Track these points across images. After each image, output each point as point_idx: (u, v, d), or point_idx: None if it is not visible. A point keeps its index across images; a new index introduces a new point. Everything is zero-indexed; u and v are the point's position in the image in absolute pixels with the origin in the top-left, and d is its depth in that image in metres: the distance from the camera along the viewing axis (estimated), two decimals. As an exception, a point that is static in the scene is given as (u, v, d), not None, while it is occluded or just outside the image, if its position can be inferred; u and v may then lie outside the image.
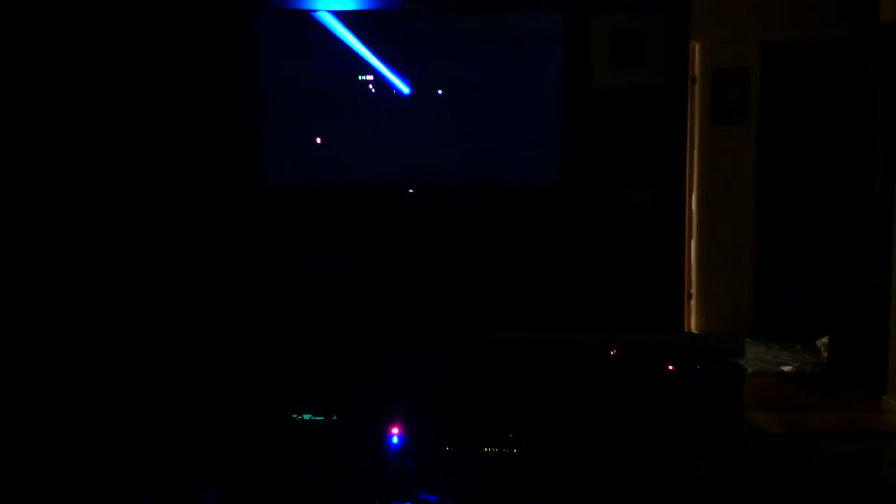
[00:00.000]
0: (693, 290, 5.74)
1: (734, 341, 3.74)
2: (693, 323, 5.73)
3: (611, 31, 4.22)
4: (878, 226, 4.58)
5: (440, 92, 4.23)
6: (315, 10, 4.24)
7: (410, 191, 4.30)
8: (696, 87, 5.61)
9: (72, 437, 3.22)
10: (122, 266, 4.31)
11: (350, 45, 4.22)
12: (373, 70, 4.23)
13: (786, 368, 4.88)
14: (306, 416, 3.24)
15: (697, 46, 5.53)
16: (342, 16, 4.23)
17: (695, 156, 5.66)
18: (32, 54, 4.27)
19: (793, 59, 5.63)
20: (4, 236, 4.15)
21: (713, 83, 5.63)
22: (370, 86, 4.24)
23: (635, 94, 4.28)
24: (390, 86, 4.24)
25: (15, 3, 4.15)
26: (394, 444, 3.15)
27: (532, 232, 4.39)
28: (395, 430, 3.16)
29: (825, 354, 4.78)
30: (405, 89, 4.24)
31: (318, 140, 4.30)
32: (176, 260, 4.33)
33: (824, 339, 4.81)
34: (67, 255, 4.26)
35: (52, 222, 4.24)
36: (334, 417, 3.24)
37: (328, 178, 4.32)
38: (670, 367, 3.24)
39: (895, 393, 4.12)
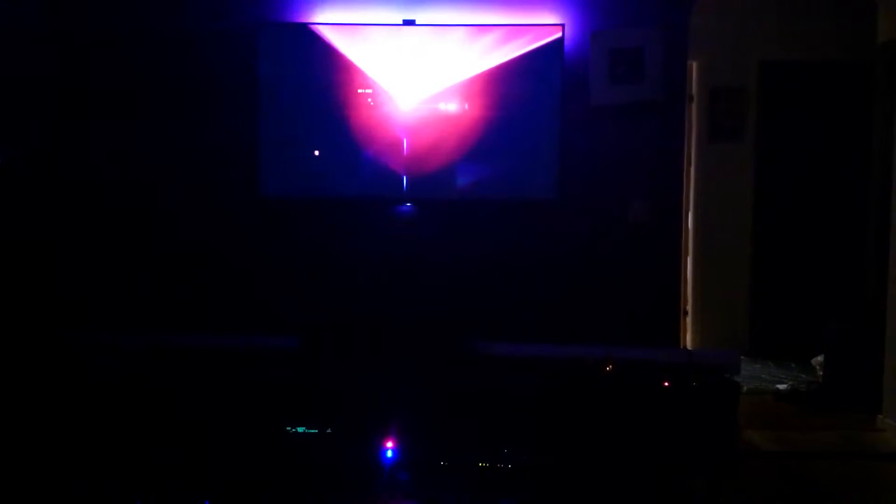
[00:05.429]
0: (689, 307, 5.75)
1: (730, 358, 3.74)
2: (689, 340, 5.73)
3: (610, 49, 4.24)
4: (874, 245, 4.59)
5: (438, 107, 4.25)
6: (313, 25, 4.27)
7: (408, 204, 4.31)
8: (694, 106, 5.64)
9: (65, 446, 3.21)
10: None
11: (347, 59, 4.24)
12: (371, 84, 4.26)
13: (781, 386, 4.88)
14: (300, 429, 3.23)
15: (695, 65, 5.56)
16: (340, 30, 4.25)
17: (692, 173, 5.68)
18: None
19: (790, 78, 5.67)
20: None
21: (711, 101, 5.66)
22: (369, 99, 4.26)
23: (633, 111, 4.30)
24: (388, 100, 4.26)
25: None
26: (387, 458, 3.14)
27: (528, 247, 4.40)
28: (388, 444, 3.15)
29: (820, 373, 4.78)
30: (402, 104, 4.26)
31: (317, 153, 4.32)
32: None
33: (820, 358, 4.80)
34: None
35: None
36: (328, 430, 3.23)
37: (328, 190, 4.34)
38: (666, 384, 3.23)
39: (890, 412, 4.11)
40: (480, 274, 4.39)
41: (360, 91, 4.26)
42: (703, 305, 5.74)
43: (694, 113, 5.65)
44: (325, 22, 4.29)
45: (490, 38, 4.22)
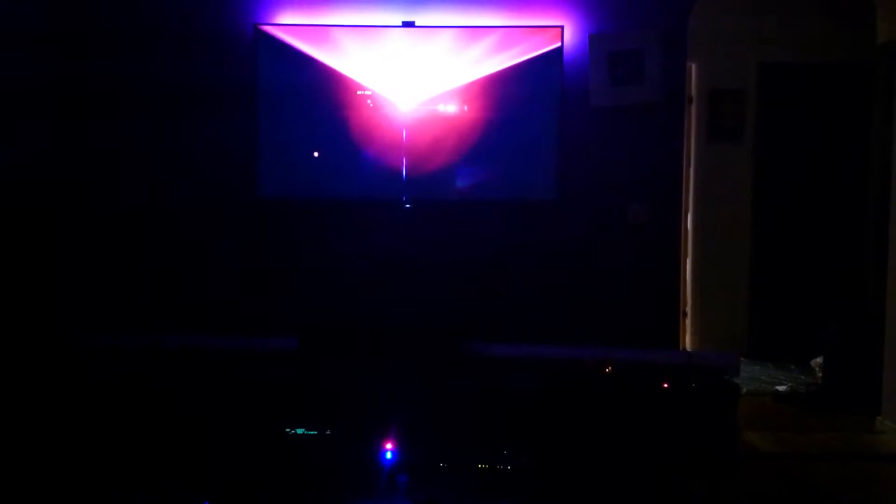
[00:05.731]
0: (688, 309, 5.75)
1: (729, 359, 3.73)
2: (688, 342, 5.73)
3: (609, 51, 4.25)
4: (873, 246, 4.59)
5: (438, 108, 4.25)
6: (312, 26, 4.27)
7: (407, 206, 4.31)
8: (693, 107, 5.64)
9: (65, 447, 3.21)
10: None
11: (347, 60, 4.24)
12: (370, 86, 4.26)
13: (780, 388, 4.88)
14: (300, 430, 3.23)
15: (695, 67, 5.56)
16: (339, 32, 4.25)
17: (691, 174, 5.69)
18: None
19: (790, 79, 5.67)
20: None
21: (710, 103, 5.67)
22: (368, 101, 4.26)
23: (633, 113, 4.30)
24: (387, 102, 4.26)
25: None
26: (387, 459, 3.14)
27: (528, 248, 4.40)
28: (388, 445, 3.15)
29: (820, 374, 4.78)
30: (402, 105, 4.26)
31: (317, 155, 4.32)
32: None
33: (819, 359, 4.81)
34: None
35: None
36: (328, 431, 3.23)
37: (327, 191, 4.34)
38: (665, 385, 3.23)
39: (889, 414, 4.12)
40: (480, 275, 4.39)
41: (359, 92, 4.27)
42: (703, 307, 5.74)
43: (693, 114, 5.65)
44: (325, 23, 4.29)
45: (489, 39, 4.22)
